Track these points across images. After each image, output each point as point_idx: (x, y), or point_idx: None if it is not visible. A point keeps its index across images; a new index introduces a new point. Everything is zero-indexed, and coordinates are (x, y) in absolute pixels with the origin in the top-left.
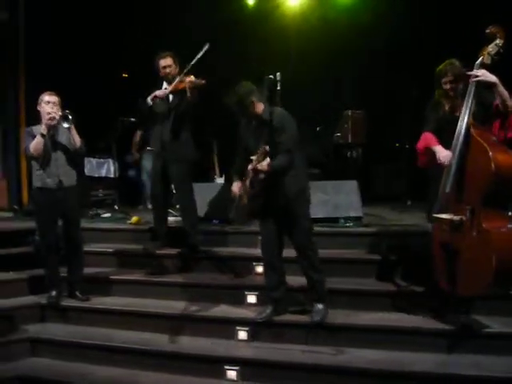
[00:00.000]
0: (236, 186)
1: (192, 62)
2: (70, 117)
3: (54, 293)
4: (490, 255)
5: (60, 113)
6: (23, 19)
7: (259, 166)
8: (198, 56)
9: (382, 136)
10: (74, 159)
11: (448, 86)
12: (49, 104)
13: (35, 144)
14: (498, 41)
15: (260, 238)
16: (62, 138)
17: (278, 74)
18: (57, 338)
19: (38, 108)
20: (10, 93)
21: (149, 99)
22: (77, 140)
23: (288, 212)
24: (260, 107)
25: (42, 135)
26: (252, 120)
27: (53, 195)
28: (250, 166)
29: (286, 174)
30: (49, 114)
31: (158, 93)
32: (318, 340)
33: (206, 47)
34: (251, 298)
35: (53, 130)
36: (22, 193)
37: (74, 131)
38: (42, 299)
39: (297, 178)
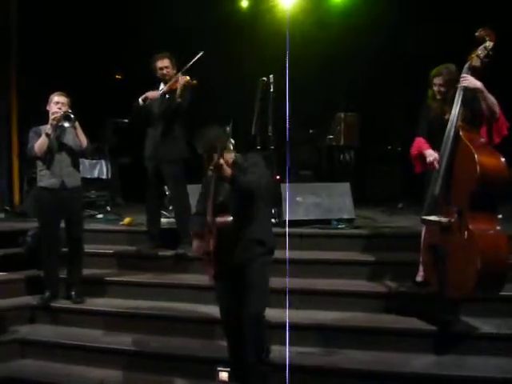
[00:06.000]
0: (196, 246)
1: (186, 67)
2: (72, 116)
3: (47, 294)
4: (475, 257)
5: (62, 112)
6: (15, 19)
7: (221, 161)
8: (191, 62)
9: (375, 138)
10: (79, 160)
11: (436, 88)
12: (57, 104)
13: (39, 143)
14: (487, 43)
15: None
16: (68, 139)
17: (271, 76)
18: (46, 340)
19: (47, 108)
20: (2, 92)
21: (140, 99)
22: (83, 140)
23: (249, 273)
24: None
25: (47, 135)
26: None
27: (56, 196)
28: (211, 166)
29: (265, 227)
30: (53, 113)
31: (149, 94)
32: (308, 341)
33: (199, 54)
34: None
35: (59, 130)
36: (14, 193)
37: (79, 131)
38: (32, 300)
39: (270, 233)
